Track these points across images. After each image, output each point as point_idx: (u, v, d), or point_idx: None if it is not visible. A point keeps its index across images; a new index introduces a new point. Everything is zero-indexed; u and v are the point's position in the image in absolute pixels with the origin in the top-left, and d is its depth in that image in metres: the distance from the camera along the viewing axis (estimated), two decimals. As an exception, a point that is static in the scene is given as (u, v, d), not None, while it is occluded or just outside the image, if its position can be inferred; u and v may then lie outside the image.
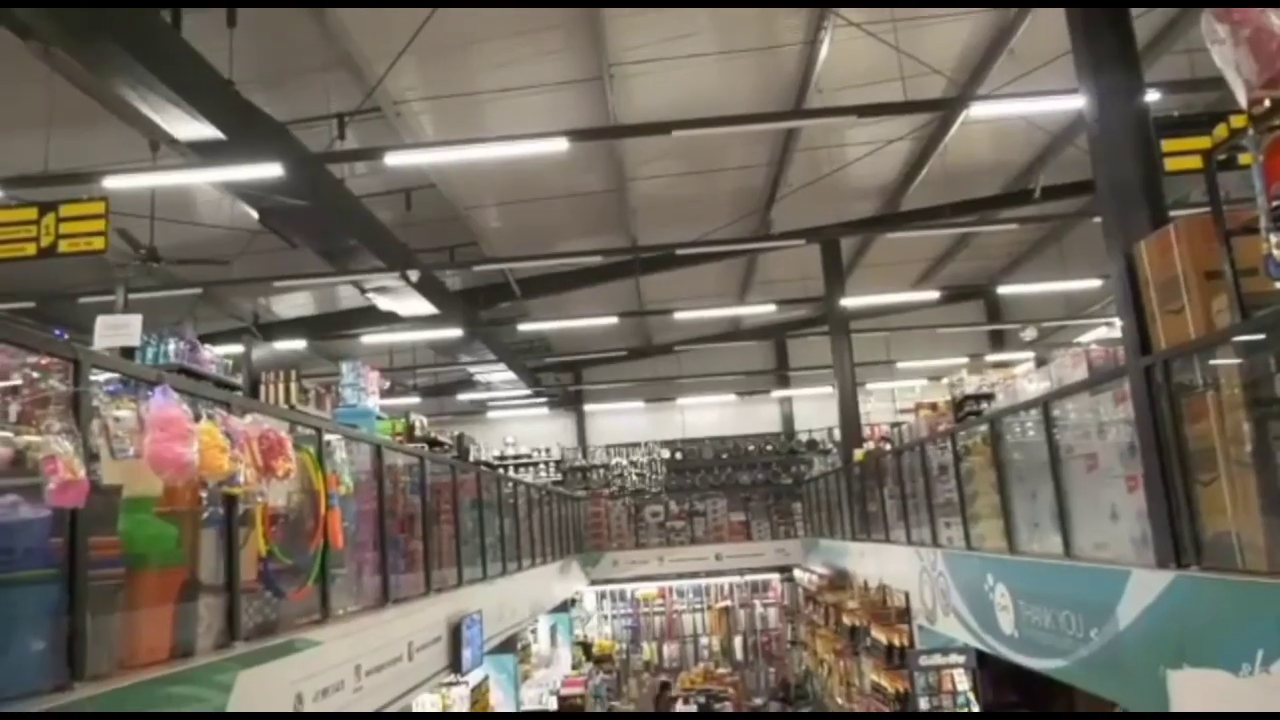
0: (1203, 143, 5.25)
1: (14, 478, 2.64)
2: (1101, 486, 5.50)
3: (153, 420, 3.03)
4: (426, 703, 10.06)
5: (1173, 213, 5.09)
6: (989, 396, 9.02)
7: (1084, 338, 15.46)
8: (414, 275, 11.46)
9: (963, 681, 9.56)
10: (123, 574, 3.02)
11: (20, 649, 2.57)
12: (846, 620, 13.30)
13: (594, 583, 18.75)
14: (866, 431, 16.20)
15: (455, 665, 6.65)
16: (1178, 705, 4.41)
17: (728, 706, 14.79)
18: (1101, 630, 5.14)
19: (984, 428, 7.53)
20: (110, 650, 2.95)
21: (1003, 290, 18.50)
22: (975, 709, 9.56)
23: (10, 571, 2.46)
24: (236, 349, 9.92)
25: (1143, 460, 4.63)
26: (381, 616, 5.37)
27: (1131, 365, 4.77)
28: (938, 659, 9.52)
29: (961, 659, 9.50)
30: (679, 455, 21.84)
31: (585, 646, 16.93)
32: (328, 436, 4.67)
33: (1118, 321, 5.29)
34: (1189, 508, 4.28)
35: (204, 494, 3.54)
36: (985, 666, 10.57)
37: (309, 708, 4.15)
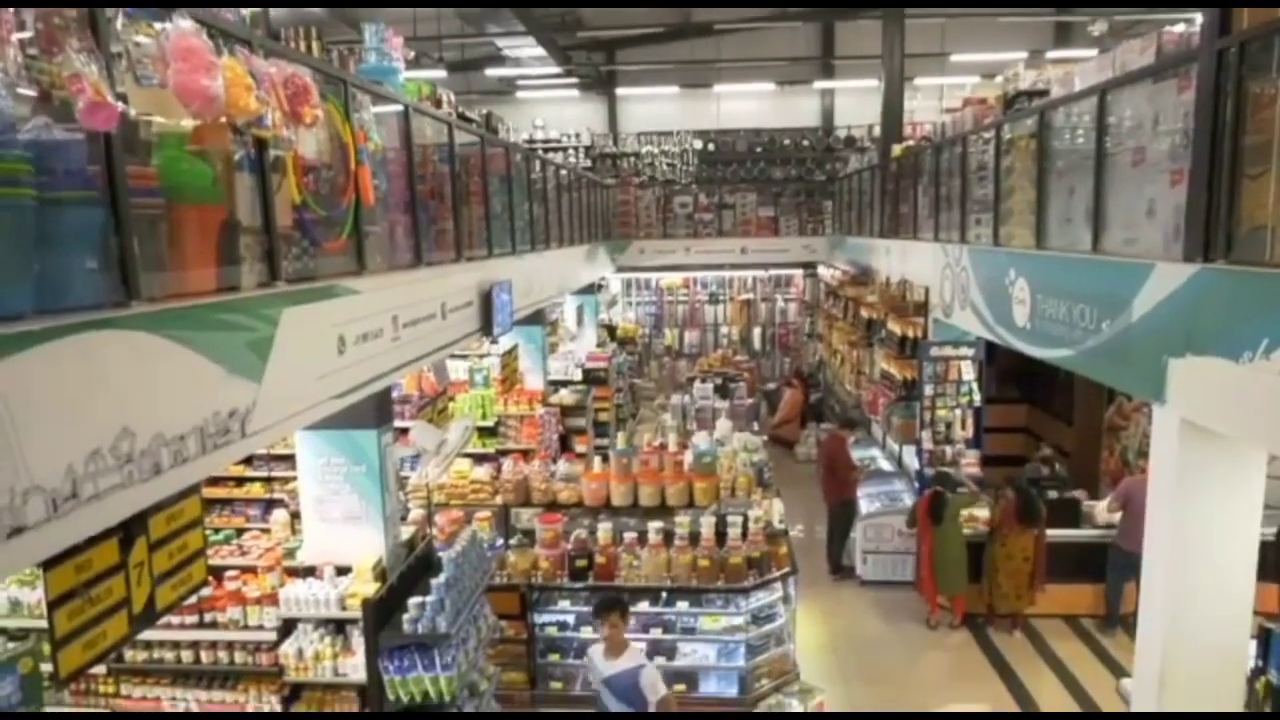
0: None
1: (42, 104, 2.63)
2: (1144, 181, 5.37)
3: (174, 50, 2.95)
4: (460, 369, 10.78)
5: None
6: (1043, 93, 8.57)
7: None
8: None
9: (968, 372, 10.03)
10: (163, 205, 3.10)
11: (75, 267, 2.70)
12: (864, 314, 13.71)
13: (620, 270, 19.20)
14: (908, 130, 15.63)
15: (486, 329, 7.00)
16: (1173, 389, 4.63)
17: (742, 389, 15.76)
18: (1113, 322, 5.28)
19: (1031, 120, 7.23)
20: (160, 279, 3.11)
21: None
22: (977, 398, 10.12)
23: (54, 191, 2.53)
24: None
25: (1193, 151, 4.47)
26: (415, 275, 5.58)
27: (1205, 47, 4.44)
28: (948, 350, 9.91)
29: (970, 351, 9.89)
30: (712, 147, 21.30)
31: (610, 329, 17.72)
32: (353, 90, 4.56)
33: (1198, 17, 4.86)
34: (1230, 201, 4.20)
35: (234, 136, 3.54)
36: (992, 363, 11.07)
37: (350, 350, 4.44)
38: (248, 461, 10.25)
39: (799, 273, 20.79)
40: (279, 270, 3.79)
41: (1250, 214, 4.16)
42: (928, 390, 9.99)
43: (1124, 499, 8.47)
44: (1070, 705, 7.65)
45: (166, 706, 5.32)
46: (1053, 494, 9.44)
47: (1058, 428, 12.57)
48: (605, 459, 8.06)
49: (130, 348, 2.75)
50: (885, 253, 13.04)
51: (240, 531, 6.65)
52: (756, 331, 21.41)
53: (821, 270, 19.10)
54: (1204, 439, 4.85)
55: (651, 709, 5.37)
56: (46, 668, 3.24)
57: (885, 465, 12.04)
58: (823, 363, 19.11)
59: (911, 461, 10.82)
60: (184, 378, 3.02)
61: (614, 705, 5.42)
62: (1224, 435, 4.51)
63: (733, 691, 7.18)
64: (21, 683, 3.34)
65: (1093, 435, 11.20)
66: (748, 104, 21.14)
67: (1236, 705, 5.04)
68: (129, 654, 5.31)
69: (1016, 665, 8.36)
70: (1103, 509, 8.95)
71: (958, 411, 10.07)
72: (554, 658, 7.37)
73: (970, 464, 10.01)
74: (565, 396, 11.04)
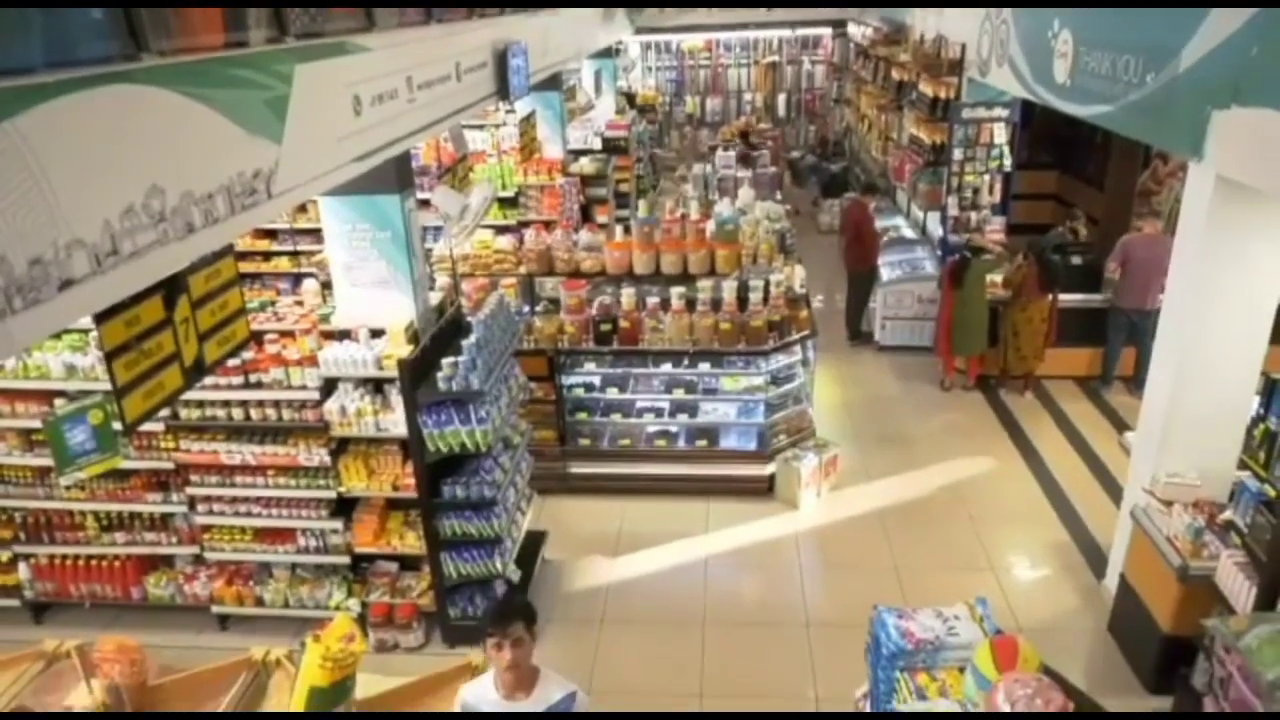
0: None
1: None
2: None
3: None
4: (478, 140, 10.55)
5: None
6: None
7: None
8: None
9: (1000, 135, 9.70)
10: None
11: (80, 16, 2.61)
12: (895, 75, 13.10)
13: (639, 31, 18.19)
14: None
15: (503, 92, 6.78)
16: (1212, 144, 4.48)
17: (765, 157, 15.38)
18: (1159, 74, 5.02)
19: None
20: (168, 33, 3.00)
21: None
22: (1008, 163, 9.85)
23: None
24: None
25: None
26: (426, 32, 5.34)
27: None
28: (981, 112, 9.54)
29: (1004, 113, 9.52)
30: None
31: (629, 96, 17.08)
32: None
33: None
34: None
35: None
36: (1025, 126, 10.67)
37: (366, 110, 4.35)
38: (272, 235, 10.39)
39: (827, 33, 19.65)
40: (286, 24, 3.64)
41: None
42: (957, 155, 9.72)
43: (1122, 257, 8.48)
44: (1074, 458, 8.06)
45: (224, 459, 5.72)
46: (1076, 259, 9.42)
47: (1089, 194, 12.33)
48: (627, 229, 8.05)
49: (149, 104, 2.71)
50: (921, 8, 12.23)
51: (272, 303, 6.83)
52: (781, 98, 20.58)
53: (851, 29, 18.03)
54: (1237, 197, 4.77)
55: None
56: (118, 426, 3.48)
57: (908, 233, 11.97)
58: (849, 129, 18.50)
59: (935, 229, 10.75)
60: (206, 136, 3.00)
61: None
62: (1259, 191, 4.42)
63: (751, 446, 7.59)
64: (94, 432, 3.60)
65: (1124, 202, 10.98)
66: None
67: (1234, 455, 5.29)
68: (184, 413, 5.65)
69: (1025, 423, 8.73)
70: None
71: (986, 177, 9.85)
72: (581, 416, 7.77)
73: (995, 231, 9.92)
74: (585, 166, 10.85)
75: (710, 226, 7.78)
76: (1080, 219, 10.78)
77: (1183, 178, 5.54)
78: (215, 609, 6.16)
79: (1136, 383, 8.77)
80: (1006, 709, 2.97)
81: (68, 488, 5.93)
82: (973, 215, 9.90)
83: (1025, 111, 9.63)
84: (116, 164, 2.59)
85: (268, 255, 10.47)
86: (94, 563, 6.18)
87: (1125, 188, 10.95)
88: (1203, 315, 5.12)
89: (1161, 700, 5.19)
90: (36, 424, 5.70)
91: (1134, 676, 5.47)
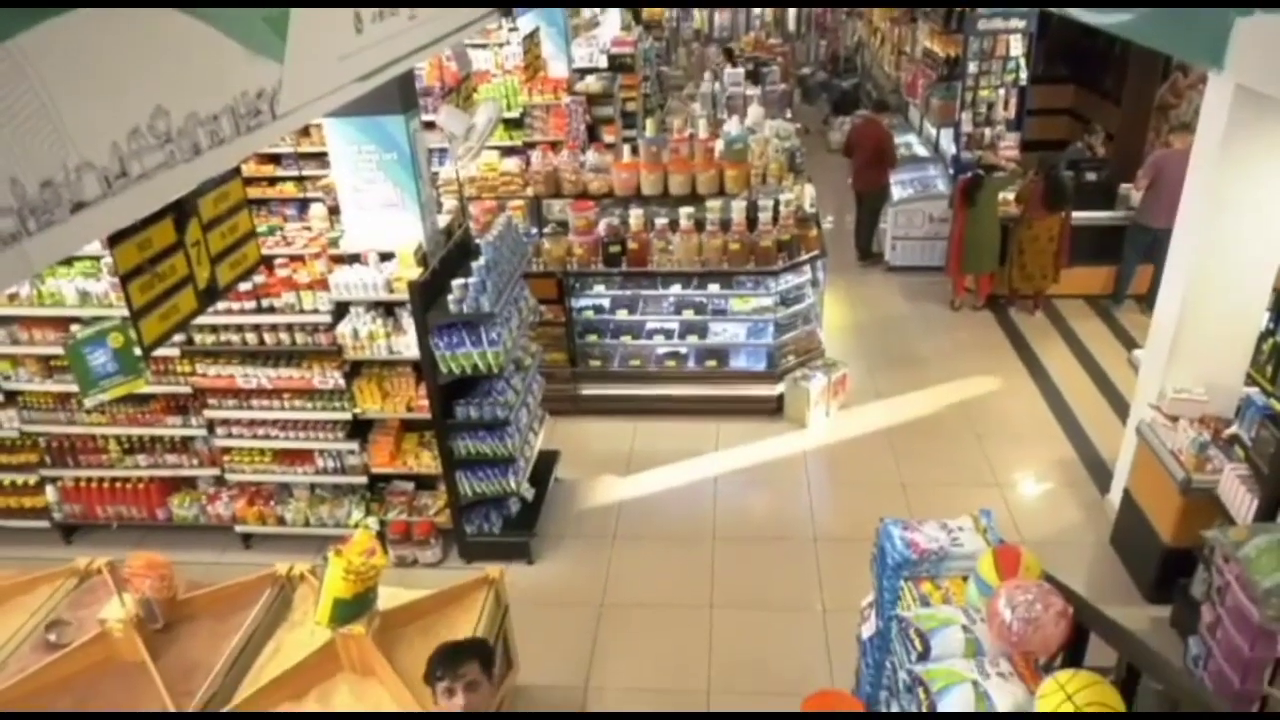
0: None
1: None
2: None
3: None
4: (481, 59, 10.35)
5: None
6: None
7: None
8: None
9: (1016, 48, 9.48)
10: None
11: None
12: (909, -15, 12.71)
13: (645, -57, 17.62)
14: None
15: (504, 4, 6.62)
16: (1234, 52, 4.37)
17: (775, 73, 15.04)
18: (1181, -22, 4.87)
19: None
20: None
21: None
22: (1024, 76, 9.64)
23: None
24: None
25: None
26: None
27: None
28: (997, 23, 9.30)
29: (1021, 24, 9.28)
30: None
31: (634, 11, 16.63)
32: None
33: None
34: None
35: None
36: (1042, 37, 10.39)
37: (368, 29, 4.26)
38: (276, 160, 10.31)
39: (841, -59, 18.97)
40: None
41: None
42: (971, 68, 9.52)
43: (1155, 171, 8.32)
44: (1082, 377, 8.09)
45: (240, 383, 5.80)
46: (1091, 176, 9.27)
47: (1105, 109, 12.06)
48: (634, 150, 7.97)
49: (150, 21, 2.68)
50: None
51: (280, 228, 6.83)
52: (791, 12, 20.01)
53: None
54: (1256, 108, 4.68)
55: None
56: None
57: (920, 151, 11.78)
58: (861, 44, 18.04)
59: (948, 146, 10.57)
60: (207, 55, 2.97)
61: None
62: (1278, 102, 4.32)
63: (761, 366, 7.65)
64: (115, 355, 3.67)
65: (1141, 116, 10.74)
66: None
67: (1242, 370, 5.31)
68: (199, 337, 5.71)
69: (1034, 342, 8.74)
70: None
71: (1001, 91, 9.66)
72: (591, 338, 7.82)
73: (1008, 147, 9.77)
74: (591, 84, 10.65)
75: (719, 146, 7.68)
76: (1097, 134, 10.58)
77: (1202, 90, 5.43)
78: (238, 528, 6.33)
79: (1149, 301, 8.73)
80: (1007, 614, 3.07)
81: (88, 412, 6.04)
82: (986, 131, 9.74)
83: (1042, 22, 9.37)
84: (120, 84, 2.58)
85: (273, 180, 10.41)
86: (118, 485, 6.34)
87: (1143, 102, 10.69)
88: (1217, 228, 5.08)
89: (1160, 609, 5.32)
90: (55, 351, 5.78)
91: (1134, 587, 5.60)
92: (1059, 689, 2.76)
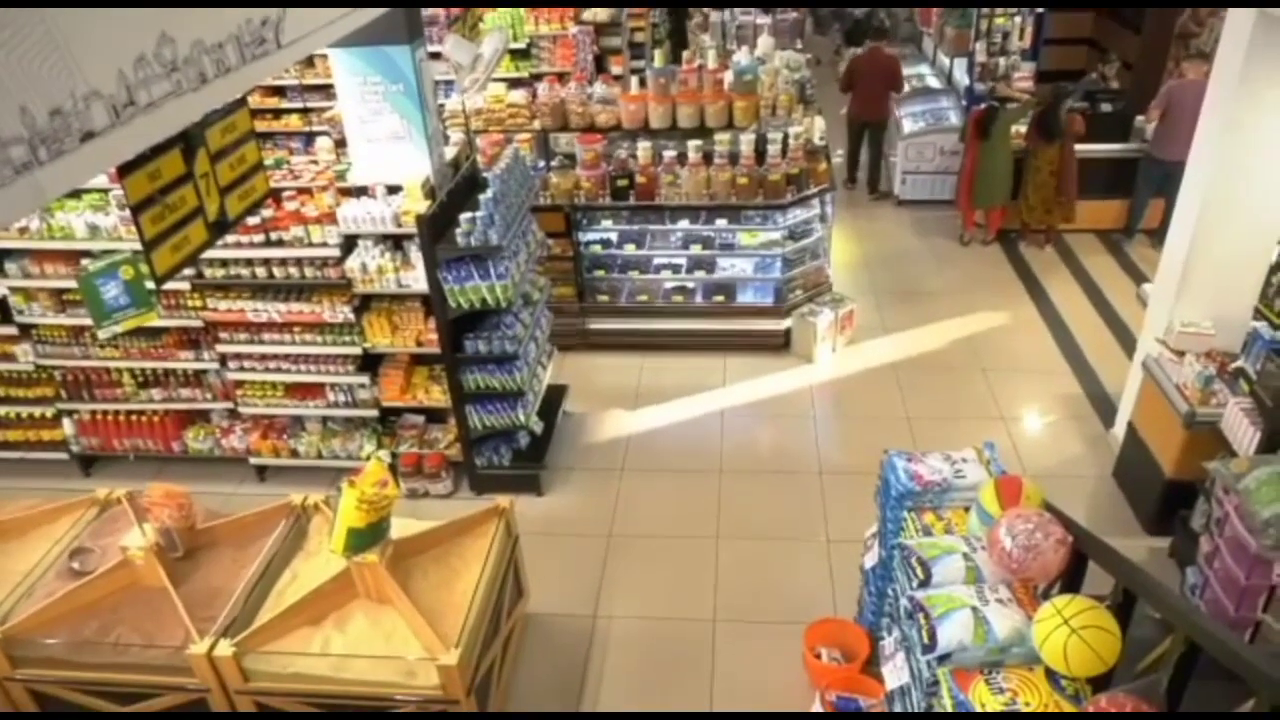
0: None
1: None
2: None
3: None
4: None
5: None
6: None
7: None
8: None
9: (1035, -26, 9.21)
10: None
11: None
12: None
13: None
14: None
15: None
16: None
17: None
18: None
19: None
20: None
21: None
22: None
23: None
24: None
25: None
26: None
27: None
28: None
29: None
30: None
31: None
32: None
33: None
34: None
35: None
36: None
37: (373, -46, 4.19)
38: (281, 93, 10.20)
39: None
40: None
41: None
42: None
43: (1167, 102, 8.17)
44: (1089, 310, 8.07)
45: (250, 317, 5.84)
46: (1106, 107, 9.11)
47: (1125, 37, 11.76)
48: (642, 81, 7.83)
49: (150, -54, 2.65)
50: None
51: (287, 161, 6.78)
52: (804, -63, 19.41)
53: None
54: (1278, 35, 4.58)
55: None
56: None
57: (933, 82, 11.56)
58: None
59: (961, 77, 10.37)
60: (210, -19, 2.94)
61: None
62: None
63: (768, 301, 7.64)
64: (127, 287, 3.69)
65: (1162, 45, 10.49)
66: None
67: (1250, 303, 5.30)
68: (209, 271, 5.73)
69: (1043, 277, 8.70)
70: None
71: (1017, 19, 9.43)
72: (599, 273, 7.81)
73: (1023, 78, 9.58)
74: (599, 13, 10.43)
75: (728, 77, 7.55)
76: (1114, 63, 10.34)
77: (1224, 17, 5.30)
78: (253, 460, 6.44)
79: (1160, 236, 8.66)
80: (1008, 542, 3.14)
81: (102, 345, 6.10)
82: (1001, 61, 9.54)
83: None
84: (124, 11, 2.56)
85: (278, 113, 10.31)
86: (134, 418, 6.43)
87: (1165, 29, 10.43)
88: (1231, 158, 5.00)
89: (1159, 540, 5.41)
90: (67, 284, 5.81)
91: (1135, 519, 5.68)
92: (1056, 614, 2.84)
